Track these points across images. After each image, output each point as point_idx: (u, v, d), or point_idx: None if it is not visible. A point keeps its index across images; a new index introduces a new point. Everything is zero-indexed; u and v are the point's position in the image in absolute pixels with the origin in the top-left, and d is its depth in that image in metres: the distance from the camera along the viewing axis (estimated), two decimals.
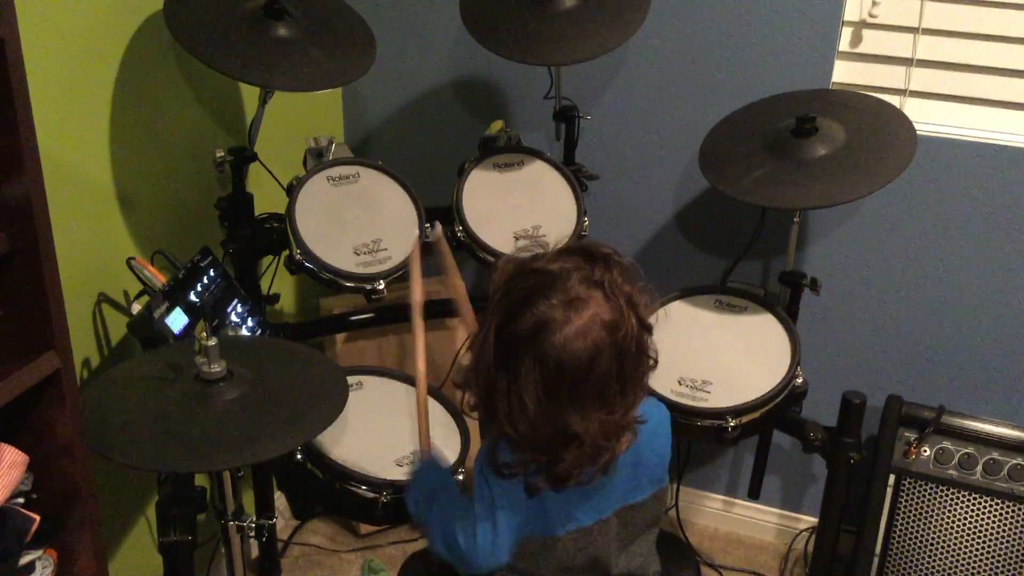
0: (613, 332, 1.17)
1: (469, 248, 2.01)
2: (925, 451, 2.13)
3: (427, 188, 2.03)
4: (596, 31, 1.96)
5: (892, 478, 2.15)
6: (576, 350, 1.16)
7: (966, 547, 2.12)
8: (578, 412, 1.18)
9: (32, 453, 1.19)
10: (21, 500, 1.19)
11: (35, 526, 1.18)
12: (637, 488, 1.37)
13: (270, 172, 2.04)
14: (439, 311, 2.39)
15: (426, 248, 1.96)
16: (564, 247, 1.27)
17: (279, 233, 1.97)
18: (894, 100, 2.12)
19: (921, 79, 2.14)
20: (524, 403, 1.18)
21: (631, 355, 1.20)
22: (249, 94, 2.19)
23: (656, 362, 1.27)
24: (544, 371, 1.17)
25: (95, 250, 1.78)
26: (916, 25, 2.09)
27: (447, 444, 1.88)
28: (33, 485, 1.21)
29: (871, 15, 2.11)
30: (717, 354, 1.94)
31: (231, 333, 1.82)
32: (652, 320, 1.25)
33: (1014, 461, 2.07)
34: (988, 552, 2.10)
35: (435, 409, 1.99)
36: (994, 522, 2.09)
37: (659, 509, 1.44)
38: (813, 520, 2.48)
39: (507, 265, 1.27)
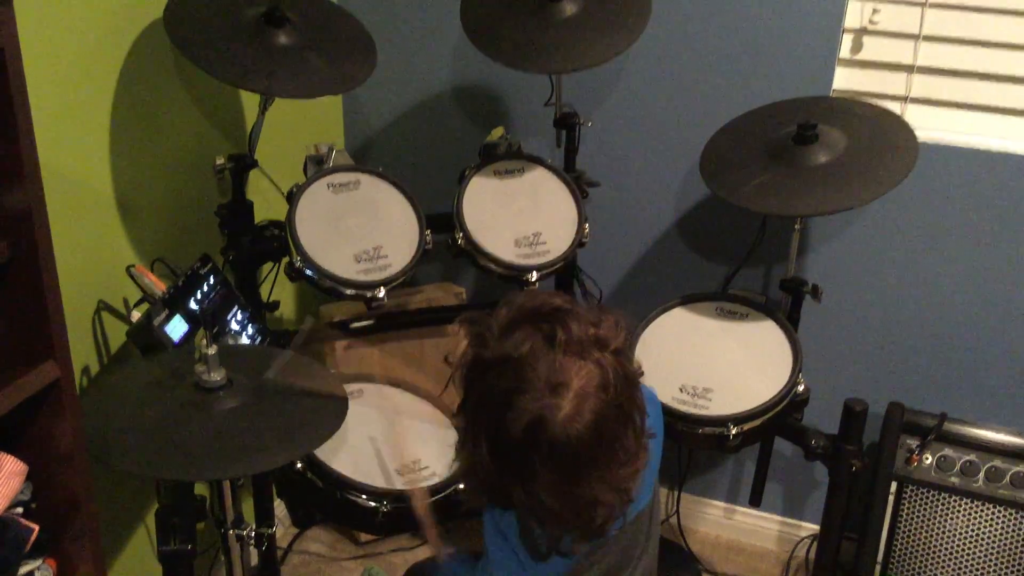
0: (604, 390, 1.11)
1: (469, 255, 2.01)
2: (927, 458, 2.12)
3: (428, 195, 2.03)
4: (597, 39, 1.96)
5: (894, 485, 2.15)
6: (579, 430, 1.09)
7: (968, 554, 2.11)
8: (600, 477, 1.13)
9: (31, 462, 1.19)
10: (20, 510, 1.19)
11: (34, 536, 1.18)
12: (636, 500, 1.35)
13: (270, 179, 2.04)
14: (438, 318, 2.39)
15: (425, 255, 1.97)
16: (508, 313, 1.18)
17: (279, 240, 1.97)
18: (895, 107, 2.12)
19: (922, 86, 2.14)
20: (541, 499, 1.13)
21: (626, 393, 1.15)
22: (249, 101, 2.19)
23: (642, 372, 1.23)
24: (556, 463, 1.10)
25: (95, 257, 1.78)
26: (917, 32, 2.09)
27: (444, 452, 1.88)
28: (32, 495, 1.21)
29: (872, 22, 2.11)
30: (718, 361, 1.93)
31: (231, 341, 1.82)
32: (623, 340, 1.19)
33: (1016, 468, 2.06)
34: (990, 559, 2.09)
35: (434, 418, 1.99)
36: (996, 529, 2.08)
37: (657, 501, 1.43)
38: (815, 527, 2.47)
39: (463, 358, 1.19)
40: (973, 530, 2.10)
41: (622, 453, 1.14)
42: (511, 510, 1.23)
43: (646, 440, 1.20)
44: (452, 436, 1.93)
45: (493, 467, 1.14)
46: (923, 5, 2.07)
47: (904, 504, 2.15)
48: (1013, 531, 2.07)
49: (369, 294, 1.87)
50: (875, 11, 2.10)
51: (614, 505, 1.16)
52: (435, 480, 1.82)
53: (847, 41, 2.16)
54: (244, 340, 1.86)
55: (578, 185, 2.13)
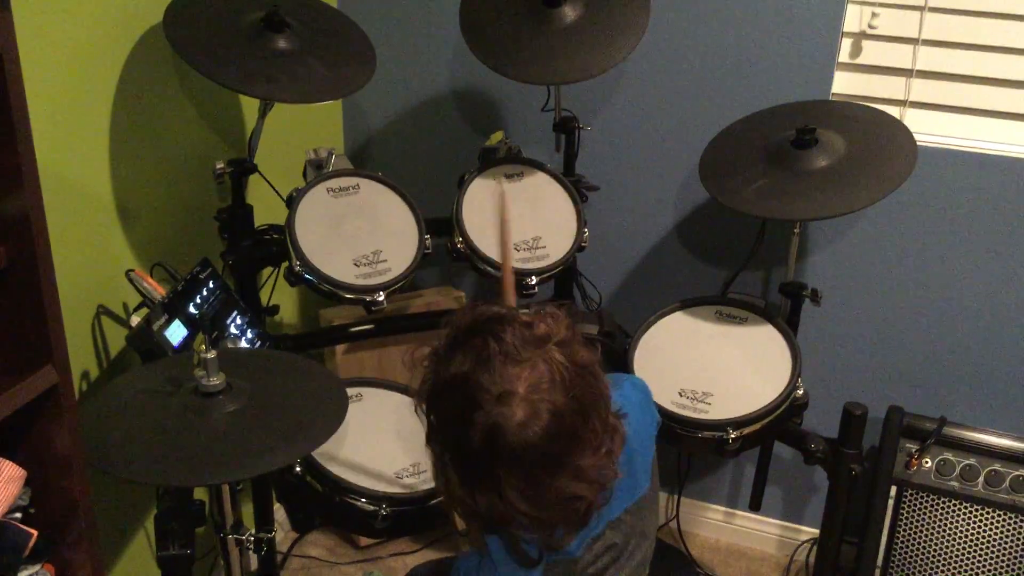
0: (554, 386, 1.11)
1: (469, 259, 2.01)
2: (927, 462, 2.12)
3: (427, 199, 2.03)
4: (594, 49, 1.96)
5: (894, 489, 2.14)
6: (536, 431, 1.09)
7: (968, 559, 2.11)
8: (569, 472, 1.13)
9: (30, 468, 1.18)
10: (19, 515, 1.19)
11: (32, 541, 1.18)
12: (635, 486, 1.35)
13: (270, 184, 2.04)
14: (438, 323, 2.39)
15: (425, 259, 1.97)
16: (448, 334, 1.19)
17: (279, 244, 1.97)
18: (894, 111, 2.12)
19: (921, 90, 2.14)
20: (515, 505, 1.13)
21: (580, 382, 1.14)
22: (249, 106, 2.19)
23: (602, 345, 1.21)
24: (520, 469, 1.11)
25: (94, 262, 1.78)
26: (916, 36, 2.09)
27: None
28: (31, 500, 1.21)
29: (871, 26, 2.12)
30: (718, 365, 1.93)
31: (230, 345, 1.82)
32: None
33: (1016, 472, 2.06)
34: (990, 564, 2.09)
35: None
36: (996, 534, 2.08)
37: (656, 489, 1.43)
38: (814, 532, 2.47)
39: (421, 388, 1.20)
40: (973, 534, 2.10)
41: (588, 442, 1.15)
42: (493, 536, 1.23)
43: (615, 422, 1.20)
44: None
45: (462, 485, 1.15)
46: (922, 9, 2.07)
47: (904, 508, 2.15)
48: (1013, 535, 2.07)
49: (368, 298, 1.87)
50: (874, 15, 2.10)
51: (587, 496, 1.16)
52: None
53: (846, 45, 2.16)
54: (243, 344, 1.86)
55: (577, 189, 2.13)
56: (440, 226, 2.04)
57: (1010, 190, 2.09)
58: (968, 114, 2.13)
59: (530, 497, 1.13)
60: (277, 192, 2.03)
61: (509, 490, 1.12)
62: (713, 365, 1.93)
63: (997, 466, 2.08)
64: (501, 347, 1.13)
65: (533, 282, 1.98)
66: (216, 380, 1.47)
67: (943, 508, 2.12)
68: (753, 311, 2.02)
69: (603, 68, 1.98)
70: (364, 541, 2.52)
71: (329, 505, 1.78)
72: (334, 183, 1.96)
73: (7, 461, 1.16)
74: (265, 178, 2.01)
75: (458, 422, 1.13)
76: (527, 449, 1.10)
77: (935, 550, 2.14)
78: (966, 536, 2.11)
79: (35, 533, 1.18)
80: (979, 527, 2.09)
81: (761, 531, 2.59)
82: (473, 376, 1.12)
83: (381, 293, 1.87)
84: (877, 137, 1.92)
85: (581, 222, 2.07)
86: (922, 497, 2.13)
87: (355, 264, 1.89)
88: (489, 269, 1.99)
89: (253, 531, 1.69)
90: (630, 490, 1.34)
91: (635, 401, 1.36)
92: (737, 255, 2.31)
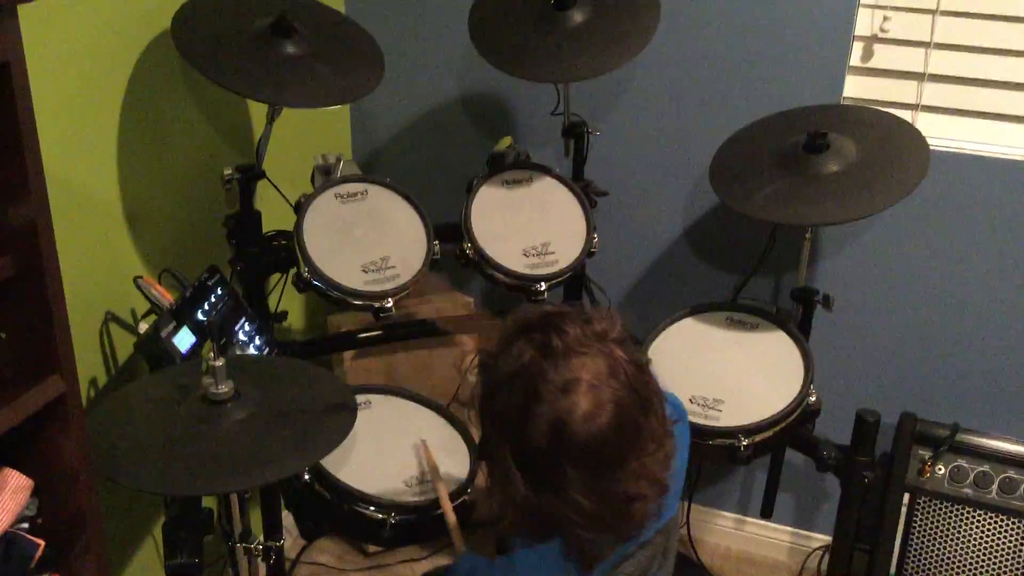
0: (616, 377, 1.11)
1: (478, 266, 2.00)
2: (940, 469, 2.10)
3: (435, 205, 2.02)
4: (603, 48, 1.95)
5: (907, 496, 2.12)
6: (601, 424, 1.09)
7: (982, 566, 2.09)
8: (632, 470, 1.12)
9: (37, 478, 1.18)
10: (26, 525, 1.18)
11: (40, 551, 1.17)
12: (667, 507, 1.33)
13: (278, 189, 2.04)
14: (446, 329, 2.39)
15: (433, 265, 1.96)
16: (502, 335, 1.18)
17: (287, 251, 1.96)
18: (906, 115, 2.10)
19: (933, 94, 2.13)
20: (579, 503, 1.10)
21: (638, 378, 1.14)
22: (257, 111, 2.19)
23: (649, 360, 1.21)
24: (585, 462, 1.09)
25: (102, 269, 1.78)
26: (928, 40, 2.08)
27: (454, 462, 1.87)
28: (38, 510, 1.20)
29: (883, 30, 2.10)
30: (729, 372, 1.92)
31: (239, 352, 1.81)
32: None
33: None
34: (1004, 571, 2.07)
35: (443, 428, 1.98)
36: (1010, 541, 2.06)
37: (677, 512, 1.42)
38: (826, 539, 2.46)
39: (473, 392, 1.19)
40: (987, 542, 2.08)
41: (649, 440, 1.14)
42: (527, 549, 1.21)
43: (670, 425, 1.19)
44: (460, 446, 1.92)
45: (525, 485, 1.12)
46: (934, 13, 2.05)
47: (917, 515, 2.13)
48: None
49: (377, 304, 1.86)
50: (886, 19, 2.09)
51: (650, 497, 1.15)
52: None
53: (858, 49, 2.14)
54: (252, 351, 1.85)
55: (587, 194, 2.12)
56: (449, 232, 2.02)
57: (1022, 194, 2.07)
58: (981, 118, 2.12)
59: (594, 493, 1.11)
60: (285, 198, 2.02)
61: (573, 486, 1.10)
62: (724, 372, 1.92)
63: (1011, 473, 2.06)
64: (564, 340, 1.12)
65: (542, 288, 1.97)
66: (224, 388, 1.46)
67: (956, 515, 2.10)
68: (764, 317, 2.00)
69: (612, 66, 1.96)
70: (373, 548, 2.51)
71: (337, 513, 1.77)
72: (342, 189, 1.96)
73: (14, 471, 1.15)
74: (273, 184, 2.01)
75: (518, 418, 1.11)
76: (594, 441, 1.09)
77: (948, 557, 2.12)
78: (980, 543, 2.09)
79: (43, 543, 1.18)
80: (993, 534, 2.07)
81: (772, 538, 2.57)
82: (534, 367, 1.11)
83: (389, 299, 1.87)
84: (889, 141, 1.90)
85: (590, 227, 2.06)
86: (935, 504, 2.11)
87: (363, 270, 1.89)
88: (499, 276, 1.98)
89: (261, 539, 1.68)
90: (663, 511, 1.33)
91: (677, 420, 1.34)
92: (748, 260, 2.30)
